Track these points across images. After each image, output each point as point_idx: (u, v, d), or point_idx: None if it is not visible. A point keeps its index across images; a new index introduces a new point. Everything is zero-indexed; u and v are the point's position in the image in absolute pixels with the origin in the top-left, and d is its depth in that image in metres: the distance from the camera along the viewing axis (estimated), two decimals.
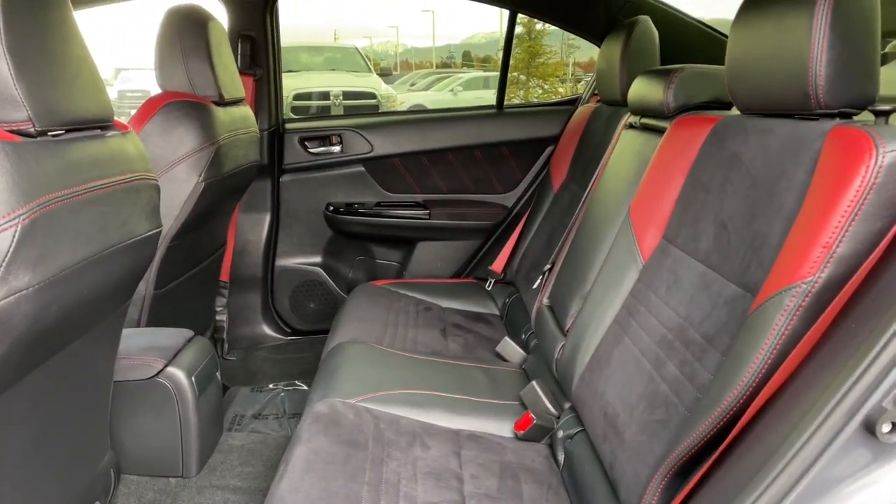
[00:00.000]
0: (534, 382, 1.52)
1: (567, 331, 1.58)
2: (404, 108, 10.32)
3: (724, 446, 0.83)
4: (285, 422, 2.16)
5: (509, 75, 3.48)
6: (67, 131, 1.02)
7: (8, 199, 0.85)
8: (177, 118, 1.82)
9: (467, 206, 2.73)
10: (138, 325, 1.91)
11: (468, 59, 24.03)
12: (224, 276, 2.56)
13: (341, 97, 8.68)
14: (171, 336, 1.81)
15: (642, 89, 1.70)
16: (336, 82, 8.98)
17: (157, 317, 1.94)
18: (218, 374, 1.91)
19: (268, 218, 2.64)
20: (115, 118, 1.20)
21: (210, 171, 1.87)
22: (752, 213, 1.03)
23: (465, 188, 2.75)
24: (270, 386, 2.39)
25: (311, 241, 2.74)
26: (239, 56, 2.42)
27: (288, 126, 2.70)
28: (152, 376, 1.68)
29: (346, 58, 9.80)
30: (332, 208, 2.69)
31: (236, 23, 2.44)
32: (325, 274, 2.76)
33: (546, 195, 2.39)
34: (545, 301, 1.84)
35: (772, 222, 0.98)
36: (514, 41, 3.23)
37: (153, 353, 1.71)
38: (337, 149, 2.68)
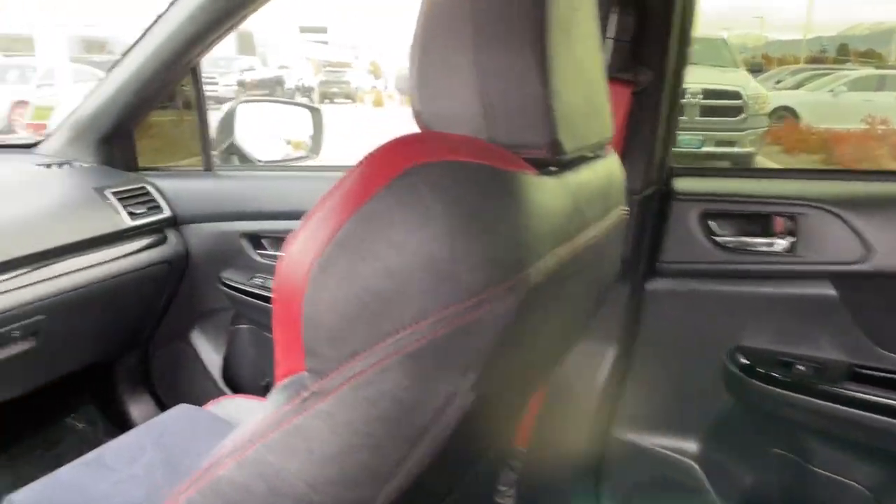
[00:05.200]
0: None
1: None
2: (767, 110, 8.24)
3: None
4: None
5: None
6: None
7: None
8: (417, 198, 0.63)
9: None
10: None
11: (844, 54, 21.09)
12: None
13: (700, 96, 7.16)
14: None
15: None
16: (696, 78, 7.35)
17: None
18: None
19: (612, 353, 1.37)
20: None
21: None
22: None
23: None
24: None
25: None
26: (612, 44, 1.15)
27: (681, 186, 1.36)
28: None
29: (708, 50, 8.07)
30: (743, 360, 1.31)
31: None
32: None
33: None
34: None
35: None
36: None
37: None
38: (782, 243, 1.27)
